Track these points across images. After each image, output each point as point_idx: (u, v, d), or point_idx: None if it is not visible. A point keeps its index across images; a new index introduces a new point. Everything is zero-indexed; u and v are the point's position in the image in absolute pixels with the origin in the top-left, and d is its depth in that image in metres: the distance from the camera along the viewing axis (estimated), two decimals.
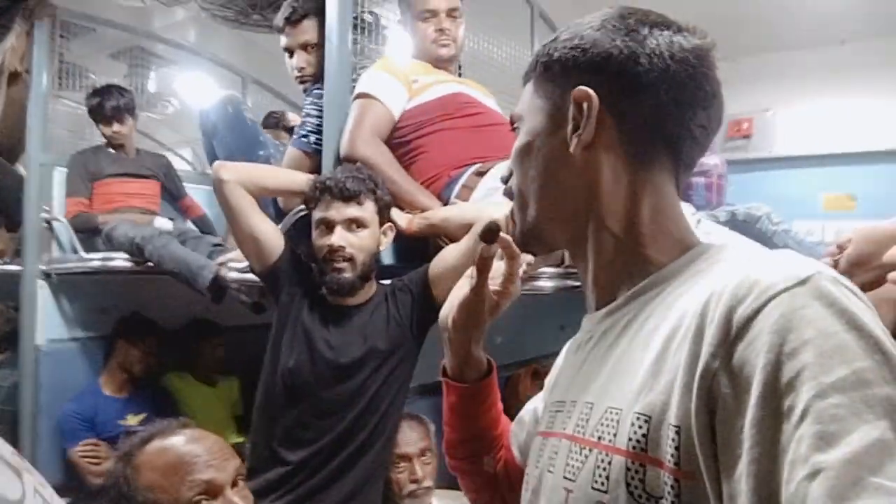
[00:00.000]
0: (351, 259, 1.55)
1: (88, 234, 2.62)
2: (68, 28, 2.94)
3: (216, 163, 1.65)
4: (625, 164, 0.64)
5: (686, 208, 1.47)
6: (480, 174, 1.60)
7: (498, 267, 0.80)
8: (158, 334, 2.82)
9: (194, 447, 1.04)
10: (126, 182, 2.78)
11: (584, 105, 0.63)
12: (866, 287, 0.94)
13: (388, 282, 1.68)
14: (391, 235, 1.64)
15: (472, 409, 0.88)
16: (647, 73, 0.62)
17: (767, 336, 0.47)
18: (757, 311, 0.49)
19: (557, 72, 0.67)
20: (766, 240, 1.84)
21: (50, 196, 2.64)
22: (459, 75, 2.01)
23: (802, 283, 0.49)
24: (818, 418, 0.44)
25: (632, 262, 0.64)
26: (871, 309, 0.50)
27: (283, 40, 2.01)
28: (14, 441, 2.58)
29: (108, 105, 2.73)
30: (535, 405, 0.88)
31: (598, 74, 0.64)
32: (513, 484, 0.84)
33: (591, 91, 0.63)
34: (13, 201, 2.73)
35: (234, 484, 1.06)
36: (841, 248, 1.05)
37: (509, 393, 2.23)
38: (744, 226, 1.95)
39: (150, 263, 2.29)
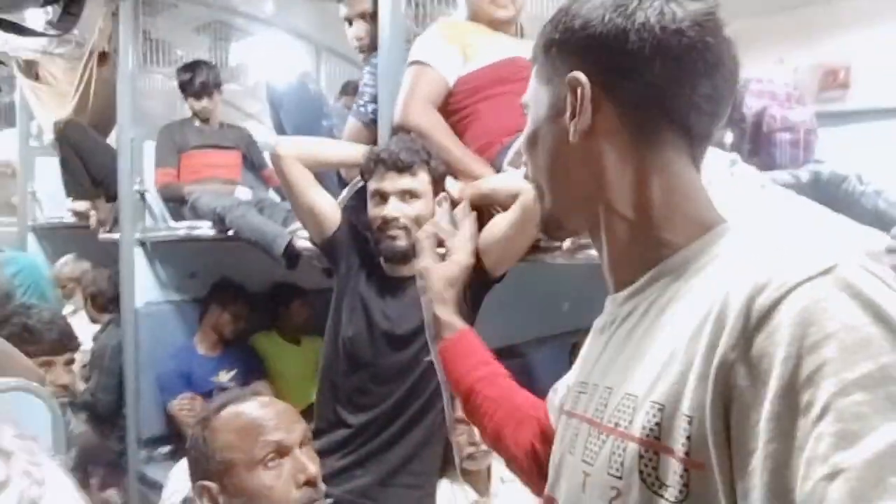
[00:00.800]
0: (405, 228, 1.57)
1: (176, 203, 2.78)
2: (152, 5, 3.06)
3: (274, 139, 1.70)
4: (629, 146, 0.63)
5: (747, 170, 1.39)
6: None
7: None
8: (247, 298, 2.98)
9: (265, 412, 1.12)
10: (210, 154, 2.90)
11: (578, 91, 0.62)
12: None
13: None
14: (446, 205, 1.64)
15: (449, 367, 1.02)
16: (639, 50, 0.59)
17: (788, 328, 0.46)
18: (778, 302, 0.47)
19: (554, 55, 0.66)
20: (853, 202, 1.70)
21: (141, 168, 2.81)
22: (522, 36, 1.95)
23: (826, 272, 0.47)
24: (839, 416, 0.42)
25: (648, 246, 0.63)
26: None
27: (343, 10, 2.02)
28: (119, 395, 2.83)
29: (197, 80, 2.85)
30: (568, 380, 0.87)
31: (590, 56, 0.62)
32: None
33: (581, 76, 0.62)
34: (109, 174, 2.93)
35: (301, 445, 1.13)
36: None
37: (575, 357, 2.21)
38: (828, 187, 1.81)
39: (230, 232, 2.41)
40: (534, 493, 0.97)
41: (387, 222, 1.56)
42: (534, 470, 0.90)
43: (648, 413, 0.55)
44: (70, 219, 3.40)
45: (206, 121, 2.93)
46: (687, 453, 0.51)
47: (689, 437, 0.50)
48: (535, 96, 0.69)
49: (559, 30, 0.65)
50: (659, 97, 0.61)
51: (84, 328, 3.34)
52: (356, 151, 1.70)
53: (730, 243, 0.59)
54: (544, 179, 0.69)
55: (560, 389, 0.87)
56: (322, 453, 1.67)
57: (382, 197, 1.58)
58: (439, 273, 1.13)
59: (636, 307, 0.63)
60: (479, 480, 1.83)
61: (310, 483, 1.10)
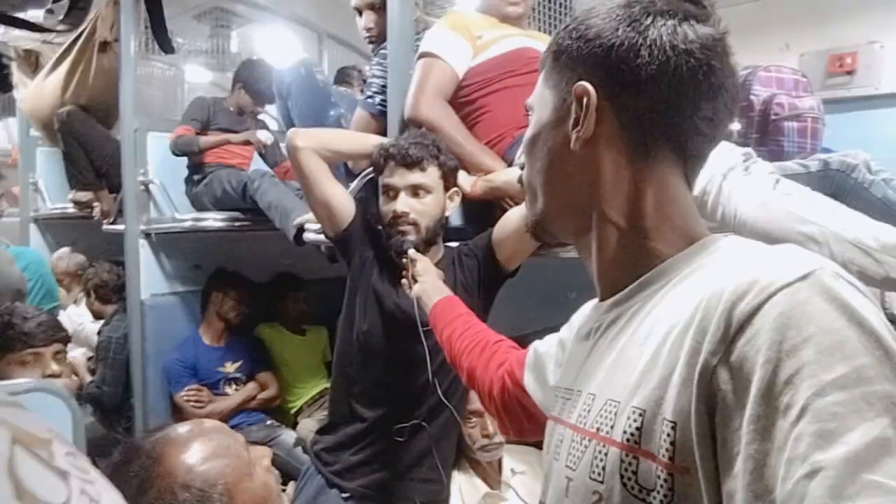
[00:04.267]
0: (415, 224, 1.56)
1: (186, 155, 2.73)
2: None
3: (290, 130, 1.67)
4: (626, 157, 0.64)
5: (763, 167, 1.39)
6: None
7: None
8: (247, 285, 2.99)
9: (210, 427, 1.01)
10: (230, 138, 2.86)
11: (584, 100, 0.63)
12: None
13: (454, 245, 1.69)
14: (457, 200, 1.63)
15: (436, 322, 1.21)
16: (648, 65, 0.61)
17: (768, 333, 0.47)
18: (758, 308, 0.49)
19: (564, 63, 0.67)
20: (862, 191, 1.70)
21: (145, 160, 2.79)
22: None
23: (804, 278, 0.49)
24: (817, 416, 0.44)
25: (636, 255, 0.65)
26: (873, 303, 0.49)
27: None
28: (124, 386, 2.84)
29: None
30: (551, 343, 0.90)
31: (600, 67, 0.63)
32: (520, 400, 0.94)
33: (589, 86, 0.63)
34: (112, 165, 2.90)
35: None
36: None
37: None
38: (836, 176, 1.81)
39: (240, 215, 2.37)
40: (503, 432, 1.11)
41: (396, 217, 1.55)
42: (499, 409, 0.99)
43: (630, 418, 0.56)
44: (73, 209, 3.39)
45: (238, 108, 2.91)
46: (671, 458, 0.52)
47: (672, 443, 0.52)
48: (541, 100, 0.70)
49: (571, 37, 0.66)
50: (661, 114, 0.62)
51: (84, 321, 3.34)
52: (370, 142, 1.68)
53: (713, 254, 0.61)
54: (539, 182, 0.70)
55: (540, 349, 0.92)
56: (337, 447, 1.68)
57: (392, 192, 1.57)
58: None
59: (621, 315, 0.65)
60: (489, 472, 1.84)
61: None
